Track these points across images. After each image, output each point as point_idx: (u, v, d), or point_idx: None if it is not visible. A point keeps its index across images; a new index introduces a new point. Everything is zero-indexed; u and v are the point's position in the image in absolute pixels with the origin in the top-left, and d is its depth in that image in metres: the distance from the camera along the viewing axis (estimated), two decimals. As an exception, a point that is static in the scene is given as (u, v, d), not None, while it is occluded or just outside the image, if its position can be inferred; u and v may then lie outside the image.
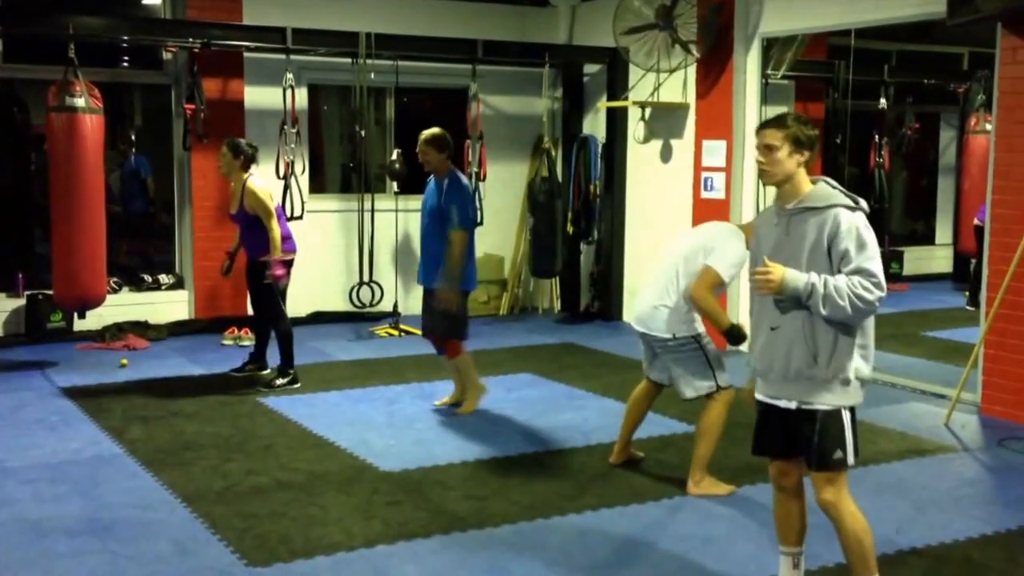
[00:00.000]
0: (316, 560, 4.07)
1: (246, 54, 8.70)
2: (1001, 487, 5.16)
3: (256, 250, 6.85)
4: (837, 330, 3.34)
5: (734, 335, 4.72)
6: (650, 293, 4.93)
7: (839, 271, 3.30)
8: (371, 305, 9.17)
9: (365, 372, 7.44)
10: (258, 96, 8.83)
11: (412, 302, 9.07)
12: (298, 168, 8.58)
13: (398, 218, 9.32)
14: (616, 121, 9.41)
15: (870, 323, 3.41)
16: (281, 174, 8.45)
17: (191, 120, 8.34)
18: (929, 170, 11.31)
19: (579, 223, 9.69)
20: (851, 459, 3.41)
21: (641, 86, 8.89)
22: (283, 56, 8.43)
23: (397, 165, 8.84)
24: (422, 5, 9.58)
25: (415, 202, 7.47)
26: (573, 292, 10.04)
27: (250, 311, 7.48)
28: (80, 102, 7.17)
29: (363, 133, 8.89)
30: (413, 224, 8.64)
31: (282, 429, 5.97)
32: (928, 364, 7.74)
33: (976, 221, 8.48)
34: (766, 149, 3.41)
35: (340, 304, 9.30)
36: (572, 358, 8.08)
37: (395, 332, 8.84)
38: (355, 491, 4.89)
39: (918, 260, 11.01)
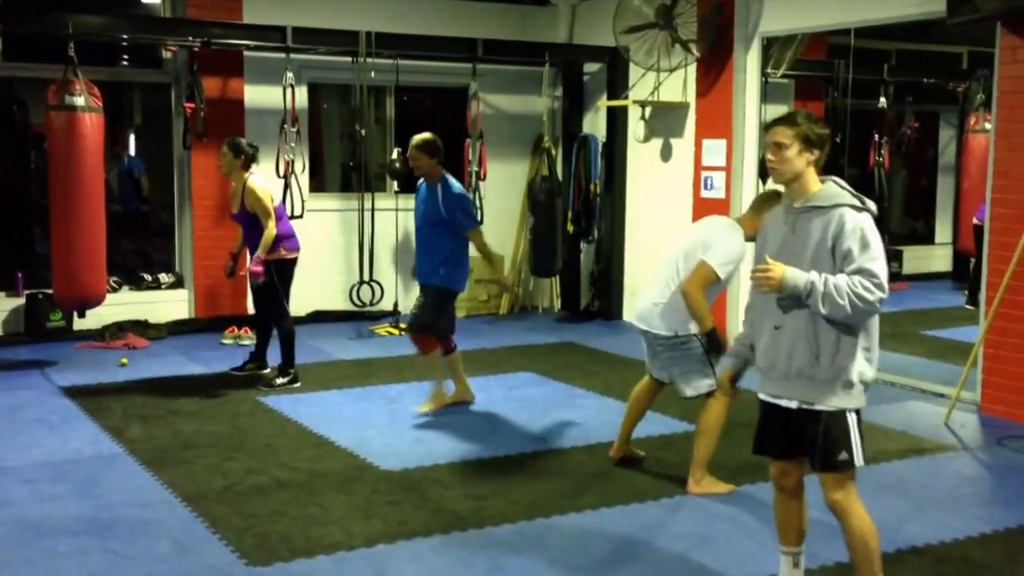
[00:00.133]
0: (316, 559, 4.07)
1: (246, 53, 8.69)
2: (1001, 486, 5.17)
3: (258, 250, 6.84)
4: (840, 331, 3.33)
5: (713, 340, 4.71)
6: (651, 291, 4.93)
7: (841, 271, 3.28)
8: (371, 304, 9.18)
9: (365, 371, 7.44)
10: (258, 95, 8.83)
11: (412, 301, 9.03)
12: (298, 167, 8.59)
13: (398, 217, 9.32)
14: (616, 120, 9.41)
15: (874, 325, 3.40)
16: (281, 173, 8.45)
17: (191, 119, 8.33)
18: (928, 169, 11.32)
19: (579, 222, 9.69)
20: (858, 461, 3.39)
21: (641, 85, 8.89)
22: (283, 55, 8.43)
23: (397, 164, 8.84)
24: (422, 4, 9.58)
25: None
26: (573, 291, 10.05)
27: (251, 310, 7.47)
28: (80, 101, 7.17)
29: (363, 132, 8.89)
30: (413, 223, 8.62)
31: (282, 428, 5.97)
32: (928, 363, 7.74)
33: (975, 220, 8.49)
34: (776, 147, 3.40)
35: (340, 303, 9.30)
36: (572, 357, 8.08)
37: (395, 331, 8.84)
38: (355, 490, 4.89)
39: (917, 259, 11.02)
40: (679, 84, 8.62)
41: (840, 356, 3.34)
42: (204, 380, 7.11)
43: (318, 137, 9.96)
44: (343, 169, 10.13)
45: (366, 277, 9.12)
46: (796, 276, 3.29)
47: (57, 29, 7.44)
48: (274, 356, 7.06)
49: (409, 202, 8.92)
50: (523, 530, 4.41)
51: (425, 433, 5.89)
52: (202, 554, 4.12)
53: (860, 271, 3.26)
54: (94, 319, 8.17)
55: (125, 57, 9.34)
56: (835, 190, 3.40)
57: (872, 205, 3.39)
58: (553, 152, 9.79)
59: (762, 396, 3.55)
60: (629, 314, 8.46)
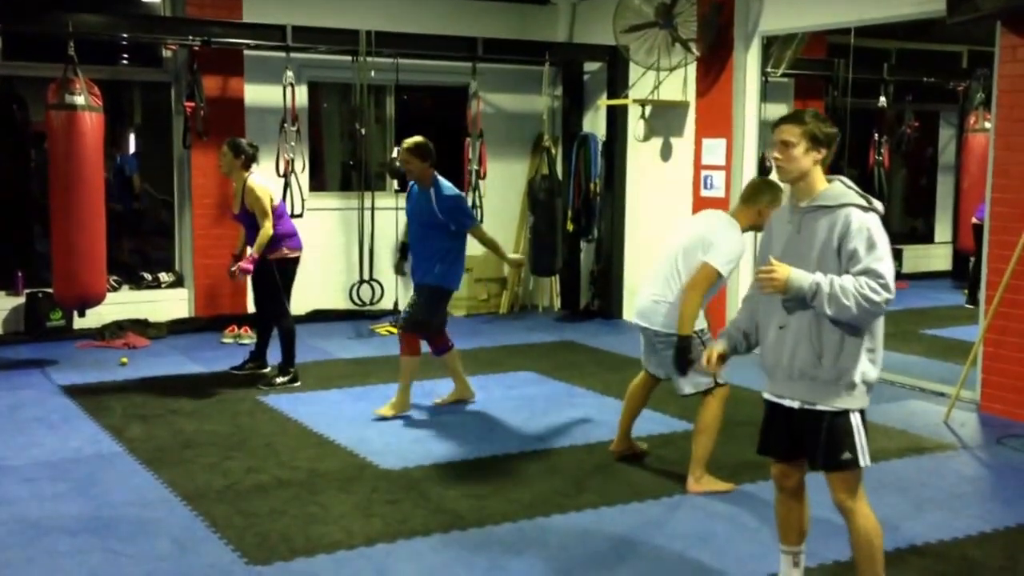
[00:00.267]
0: (316, 558, 4.07)
1: (246, 52, 8.69)
2: (1000, 485, 5.17)
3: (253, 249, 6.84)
4: (844, 331, 3.31)
5: (684, 346, 4.66)
6: (650, 287, 4.94)
7: (847, 271, 3.26)
8: (371, 303, 9.18)
9: (365, 370, 7.45)
10: (258, 94, 8.83)
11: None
12: (298, 166, 8.58)
13: (398, 216, 9.29)
14: (616, 119, 9.41)
15: (879, 326, 3.37)
16: (281, 172, 8.45)
17: (191, 118, 8.33)
18: (928, 168, 11.32)
19: (579, 221, 9.69)
20: (863, 461, 3.37)
21: (641, 84, 8.89)
22: (283, 54, 8.43)
23: (397, 163, 8.81)
24: (422, 3, 9.57)
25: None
26: (573, 290, 10.05)
27: (251, 309, 7.47)
28: (80, 100, 7.17)
29: (363, 131, 8.89)
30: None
31: (282, 427, 5.97)
32: (927, 362, 7.74)
33: (975, 219, 8.49)
34: (783, 145, 3.38)
35: (340, 302, 9.30)
36: (572, 356, 8.09)
37: (395, 330, 8.81)
38: (355, 489, 4.89)
39: (917, 258, 11.03)
40: (679, 83, 8.62)
41: (843, 357, 3.32)
42: (204, 379, 7.11)
43: (318, 136, 9.96)
44: (343, 168, 10.13)
45: (366, 276, 9.12)
46: (801, 278, 3.27)
47: (57, 28, 7.44)
48: (274, 355, 7.06)
49: (409, 201, 8.96)
50: (523, 529, 4.42)
51: (425, 432, 5.90)
52: (202, 553, 4.12)
53: (866, 272, 3.23)
54: (94, 318, 8.17)
55: (125, 56, 9.33)
56: (842, 189, 3.37)
57: (879, 205, 3.35)
58: (553, 151, 9.79)
59: (766, 396, 3.54)
60: (629, 313, 8.47)
